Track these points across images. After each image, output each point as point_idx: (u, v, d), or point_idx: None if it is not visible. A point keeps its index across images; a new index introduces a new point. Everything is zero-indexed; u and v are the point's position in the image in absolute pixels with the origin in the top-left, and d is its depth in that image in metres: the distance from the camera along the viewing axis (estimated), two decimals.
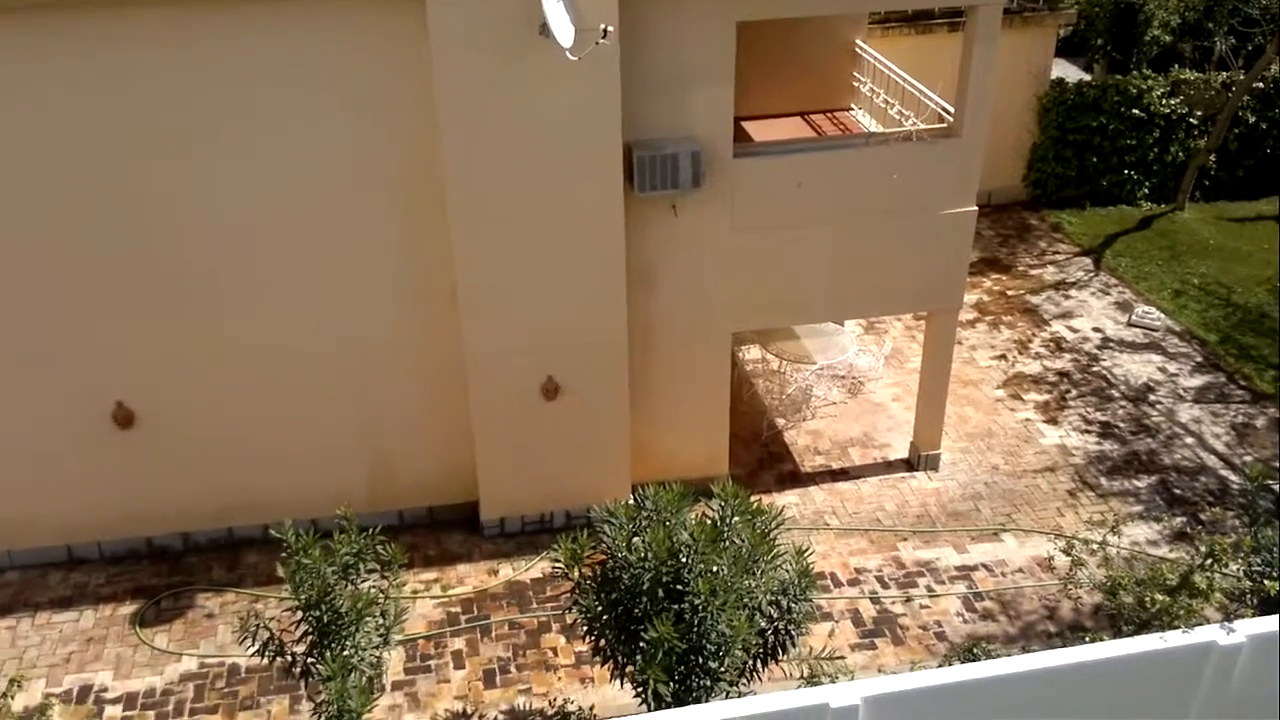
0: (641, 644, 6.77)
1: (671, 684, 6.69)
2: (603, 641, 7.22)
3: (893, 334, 13.32)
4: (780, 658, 7.41)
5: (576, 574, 7.19)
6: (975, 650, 8.67)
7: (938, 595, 9.54)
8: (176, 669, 8.80)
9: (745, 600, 6.91)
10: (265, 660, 7.48)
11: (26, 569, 9.75)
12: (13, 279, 8.75)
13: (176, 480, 9.67)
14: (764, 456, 11.26)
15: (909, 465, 11.12)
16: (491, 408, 9.56)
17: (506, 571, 9.78)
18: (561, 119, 8.55)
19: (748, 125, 11.17)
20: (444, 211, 8.80)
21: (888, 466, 11.13)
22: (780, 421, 11.76)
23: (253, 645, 7.40)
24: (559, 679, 8.73)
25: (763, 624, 7.22)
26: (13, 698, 7.60)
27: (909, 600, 9.49)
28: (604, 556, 7.16)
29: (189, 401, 9.40)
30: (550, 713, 8.44)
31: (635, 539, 7.05)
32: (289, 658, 7.48)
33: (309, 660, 7.43)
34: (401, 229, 9.07)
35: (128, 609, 9.36)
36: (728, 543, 7.04)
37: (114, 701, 8.52)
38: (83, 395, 9.23)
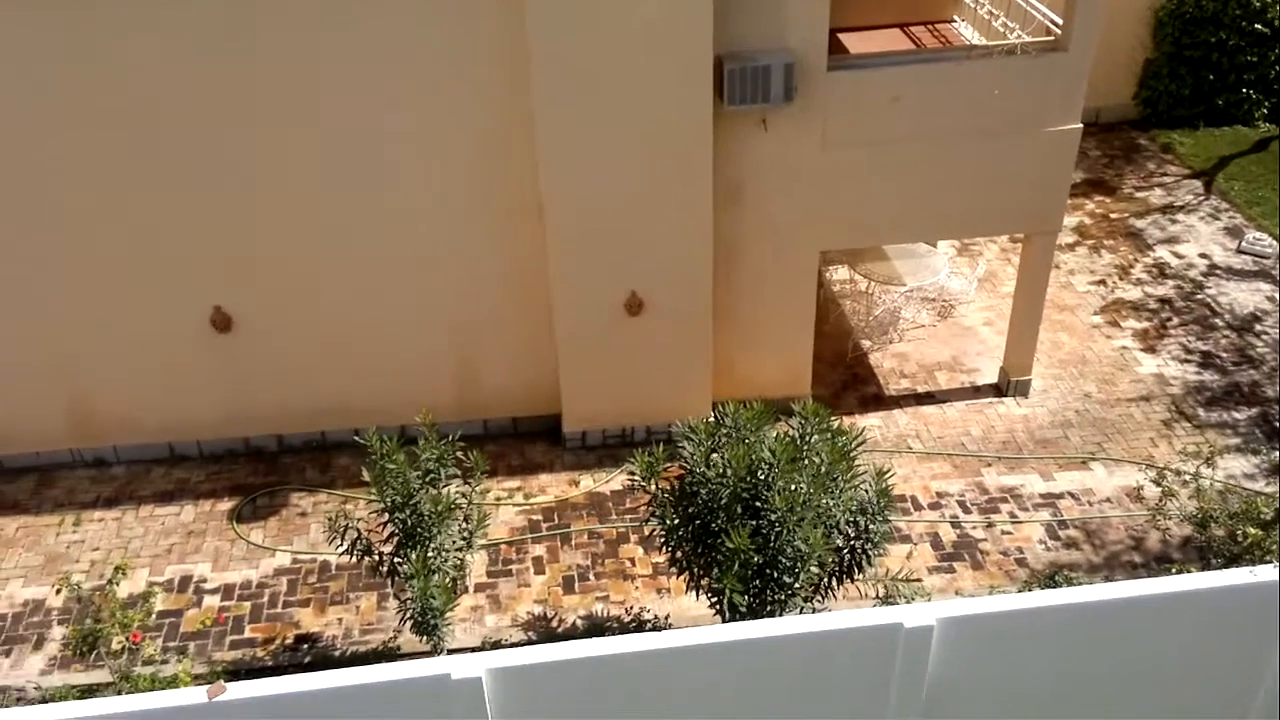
0: (718, 556, 6.84)
1: (746, 596, 6.76)
2: (679, 554, 7.31)
3: (987, 256, 12.98)
4: (856, 577, 7.42)
5: (653, 486, 7.27)
6: (1056, 577, 8.61)
7: (1020, 522, 9.42)
8: (271, 563, 9.18)
9: (822, 518, 6.92)
10: (354, 559, 7.76)
11: (132, 464, 10.22)
12: (120, 186, 8.99)
13: (272, 384, 9.98)
14: (848, 378, 11.15)
15: (998, 391, 10.91)
16: (575, 322, 9.61)
17: (587, 482, 9.93)
18: (651, 29, 8.40)
19: (843, 37, 10.84)
20: (531, 124, 8.76)
21: (975, 392, 10.94)
22: (866, 343, 11.61)
23: (341, 544, 7.68)
24: (636, 588, 8.89)
25: (839, 542, 7.23)
26: (118, 584, 8.03)
27: (990, 526, 9.40)
28: (681, 470, 7.21)
29: (285, 308, 9.64)
30: (626, 620, 8.61)
31: (714, 455, 7.07)
32: (376, 557, 7.75)
33: (395, 560, 7.68)
34: (489, 143, 9.06)
35: (225, 505, 9.76)
36: (806, 461, 7.03)
37: (212, 592, 8.94)
38: (184, 299, 9.53)
